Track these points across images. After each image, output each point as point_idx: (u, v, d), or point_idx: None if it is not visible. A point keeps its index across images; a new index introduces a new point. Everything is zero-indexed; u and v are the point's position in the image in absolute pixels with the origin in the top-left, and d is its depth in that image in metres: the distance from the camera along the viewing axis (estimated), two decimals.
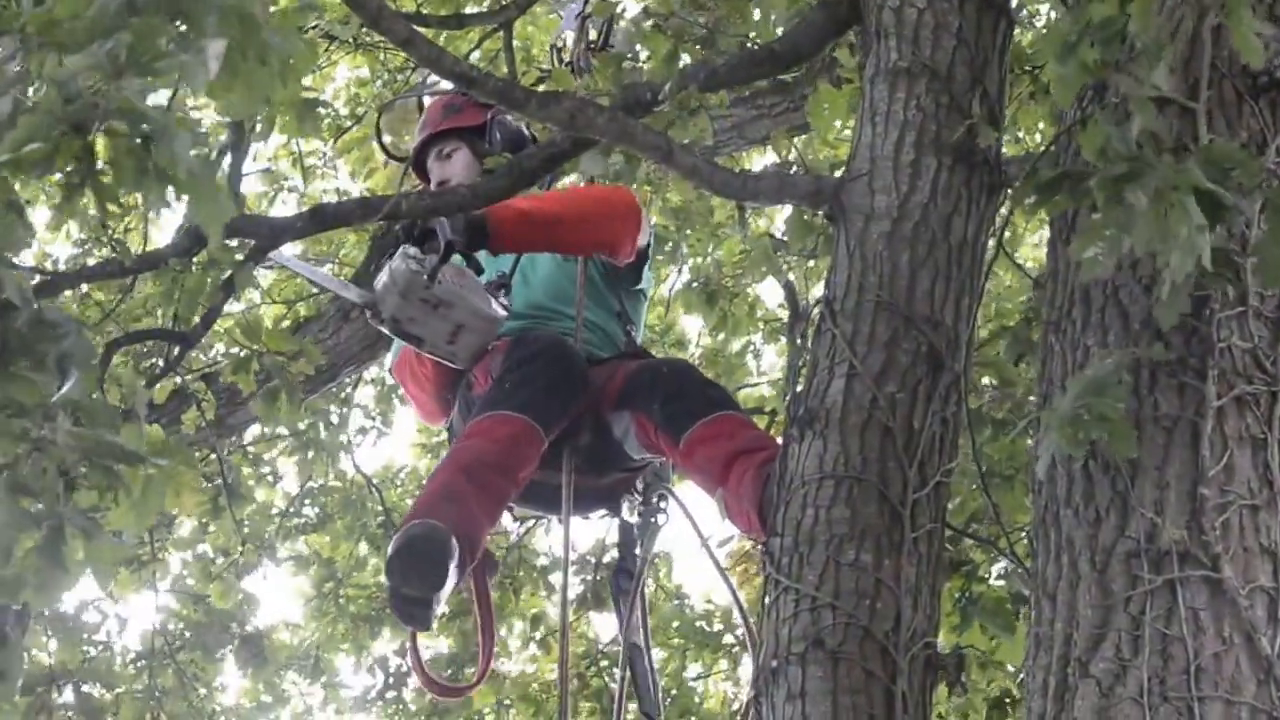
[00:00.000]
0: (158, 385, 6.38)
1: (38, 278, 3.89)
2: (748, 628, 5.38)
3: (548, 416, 5.29)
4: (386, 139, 7.01)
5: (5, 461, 3.07)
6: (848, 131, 8.57)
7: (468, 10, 8.86)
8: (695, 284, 9.87)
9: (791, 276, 9.55)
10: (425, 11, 8.20)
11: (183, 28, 2.88)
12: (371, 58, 9.63)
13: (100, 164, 2.92)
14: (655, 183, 8.57)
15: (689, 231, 9.82)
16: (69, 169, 2.89)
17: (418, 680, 5.73)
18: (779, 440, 5.09)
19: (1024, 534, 4.81)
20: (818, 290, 8.79)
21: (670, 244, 9.82)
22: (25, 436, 3.07)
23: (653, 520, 5.61)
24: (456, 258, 5.35)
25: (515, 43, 7.36)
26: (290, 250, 6.02)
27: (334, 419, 10.66)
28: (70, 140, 2.85)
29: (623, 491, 5.65)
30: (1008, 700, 6.09)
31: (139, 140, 2.85)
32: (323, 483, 11.06)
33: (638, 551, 5.60)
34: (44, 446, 3.07)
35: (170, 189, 2.92)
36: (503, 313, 5.52)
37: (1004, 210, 4.77)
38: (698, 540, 5.91)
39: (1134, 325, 4.06)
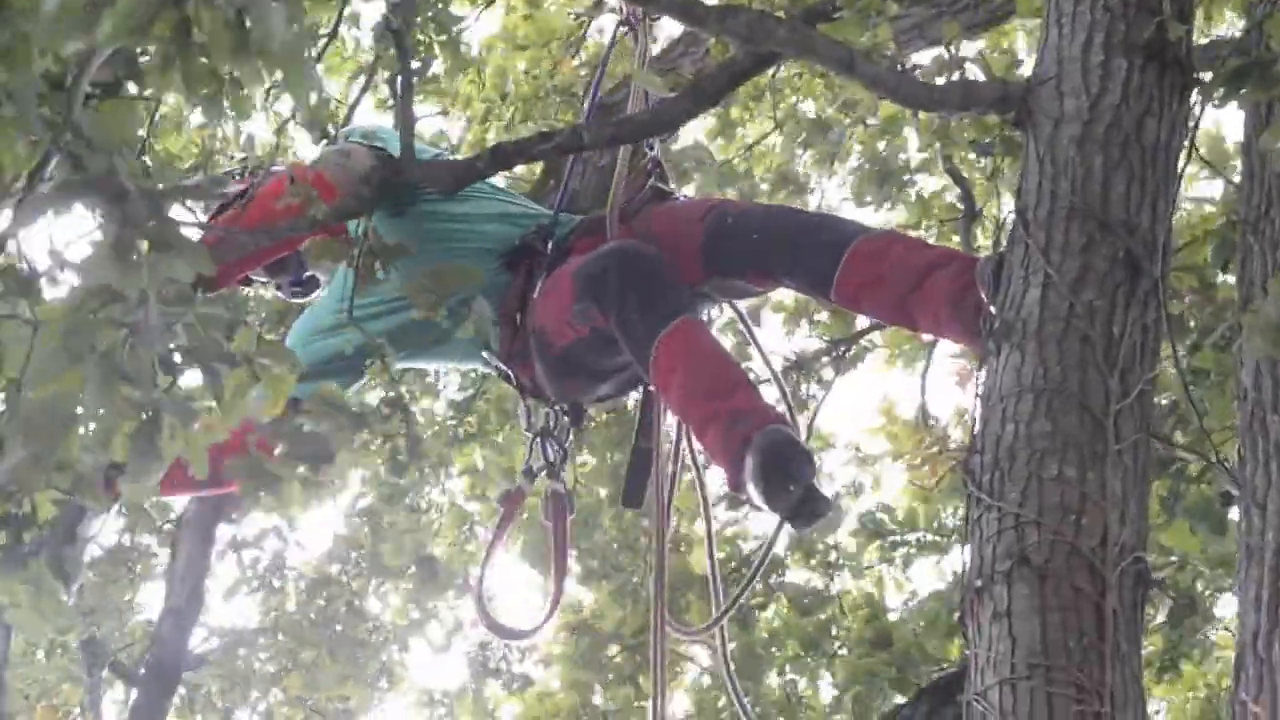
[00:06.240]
0: None
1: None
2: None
3: (682, 298, 5.12)
4: None
5: (103, 349, 3.05)
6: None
7: None
8: (866, 167, 9.77)
9: (965, 172, 9.48)
10: None
11: None
12: None
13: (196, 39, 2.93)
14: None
15: (858, 127, 9.75)
16: (166, 39, 2.90)
17: (479, 619, 5.60)
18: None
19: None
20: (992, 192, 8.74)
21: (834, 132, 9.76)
22: (121, 322, 3.06)
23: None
24: None
25: None
26: None
27: None
28: (168, 11, 2.86)
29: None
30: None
31: (236, 14, 2.85)
32: (486, 394, 11.04)
33: None
34: (139, 332, 3.05)
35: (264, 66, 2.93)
36: None
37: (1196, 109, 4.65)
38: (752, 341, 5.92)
39: None
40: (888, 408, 11.48)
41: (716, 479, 6.55)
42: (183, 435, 3.13)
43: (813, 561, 11.32)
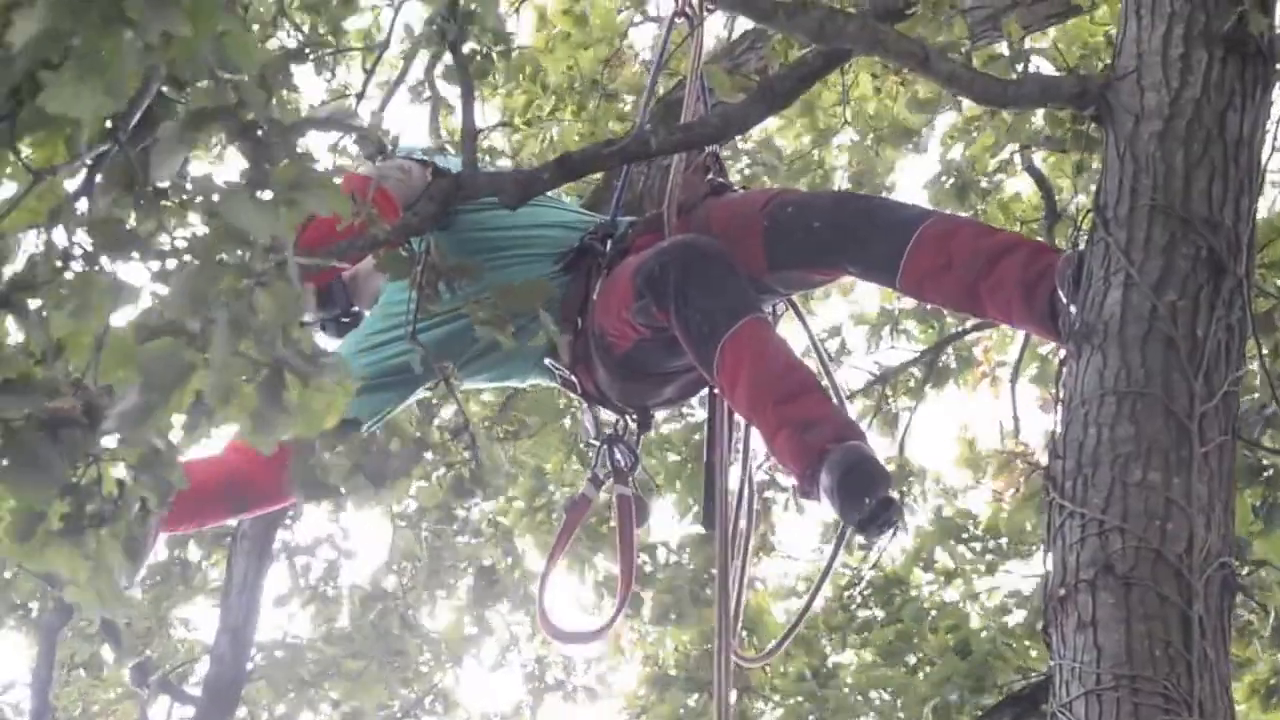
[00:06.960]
0: None
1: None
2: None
3: (747, 295, 4.99)
4: None
5: (228, 299, 2.94)
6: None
7: None
8: (945, 178, 9.65)
9: (1045, 169, 9.35)
10: None
11: None
12: None
13: None
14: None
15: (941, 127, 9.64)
16: None
17: (540, 625, 5.45)
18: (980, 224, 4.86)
19: None
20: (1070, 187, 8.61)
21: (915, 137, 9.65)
22: (248, 269, 2.94)
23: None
24: None
25: None
26: None
27: None
28: None
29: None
30: None
31: None
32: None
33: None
34: (269, 283, 2.94)
35: None
36: None
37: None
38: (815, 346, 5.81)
39: None
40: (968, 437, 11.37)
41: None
42: (303, 392, 3.00)
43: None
